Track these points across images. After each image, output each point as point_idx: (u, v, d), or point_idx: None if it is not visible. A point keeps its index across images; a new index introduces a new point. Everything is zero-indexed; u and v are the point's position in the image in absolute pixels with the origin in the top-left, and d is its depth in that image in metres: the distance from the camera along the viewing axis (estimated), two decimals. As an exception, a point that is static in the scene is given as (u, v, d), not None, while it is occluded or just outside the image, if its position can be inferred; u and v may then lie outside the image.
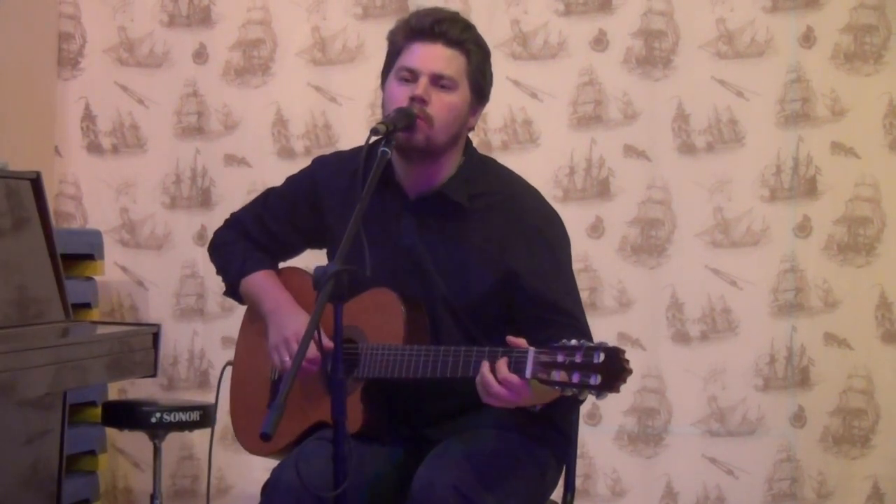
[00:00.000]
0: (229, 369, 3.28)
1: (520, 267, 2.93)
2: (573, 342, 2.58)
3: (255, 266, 3.20)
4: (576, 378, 2.55)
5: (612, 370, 2.54)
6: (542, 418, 2.94)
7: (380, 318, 2.93)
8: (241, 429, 3.20)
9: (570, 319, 2.91)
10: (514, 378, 2.64)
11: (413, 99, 2.89)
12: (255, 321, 3.19)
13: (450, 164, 3.00)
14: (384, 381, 2.87)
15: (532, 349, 2.63)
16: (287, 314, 3.07)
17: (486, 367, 2.67)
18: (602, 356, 2.54)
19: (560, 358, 2.57)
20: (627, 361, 2.55)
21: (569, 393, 2.58)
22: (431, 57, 2.92)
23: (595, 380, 2.53)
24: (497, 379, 2.65)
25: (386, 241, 2.96)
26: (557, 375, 2.57)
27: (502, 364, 2.65)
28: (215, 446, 4.71)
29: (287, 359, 3.01)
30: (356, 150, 3.11)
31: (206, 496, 3.79)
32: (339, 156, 3.22)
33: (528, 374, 2.62)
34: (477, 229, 2.97)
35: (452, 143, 2.97)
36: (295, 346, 2.99)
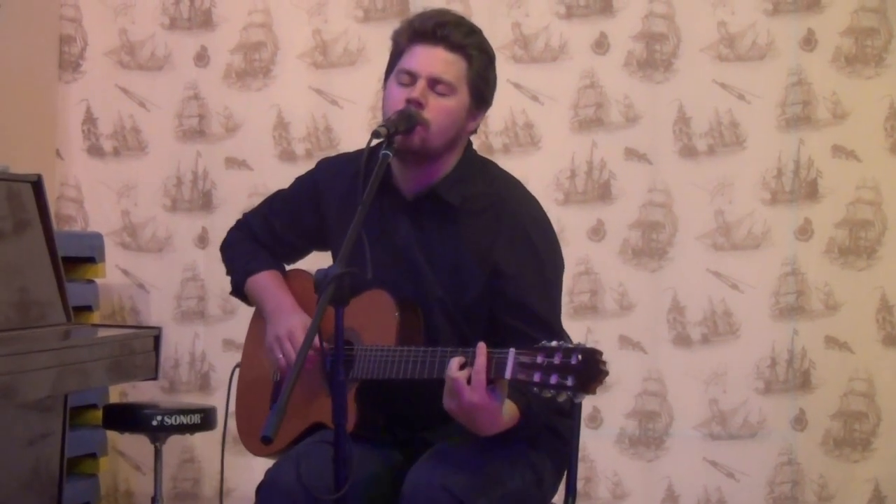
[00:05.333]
0: (237, 372, 3.28)
1: (504, 268, 2.93)
2: (553, 343, 2.59)
3: (259, 267, 3.21)
4: (553, 379, 2.56)
5: (587, 372, 2.54)
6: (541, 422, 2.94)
7: (374, 319, 2.93)
8: (244, 430, 3.20)
9: (544, 327, 2.89)
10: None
11: (409, 101, 2.88)
12: (260, 323, 3.19)
13: (446, 166, 2.99)
14: (377, 381, 2.87)
15: (513, 350, 2.63)
16: (285, 314, 3.08)
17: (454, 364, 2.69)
18: (579, 357, 2.55)
19: (539, 359, 2.58)
20: (604, 363, 2.56)
21: (547, 394, 2.58)
22: (431, 60, 2.91)
23: (571, 381, 2.54)
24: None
25: (383, 242, 2.96)
26: (536, 376, 2.58)
27: (454, 363, 2.67)
28: (217, 448, 4.70)
29: (280, 356, 3.02)
30: (359, 153, 3.11)
31: (220, 498, 3.79)
32: (343, 158, 3.22)
33: (508, 374, 2.62)
34: (470, 230, 2.96)
35: (449, 146, 2.96)
36: (287, 344, 3.00)
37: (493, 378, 2.66)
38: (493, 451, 2.87)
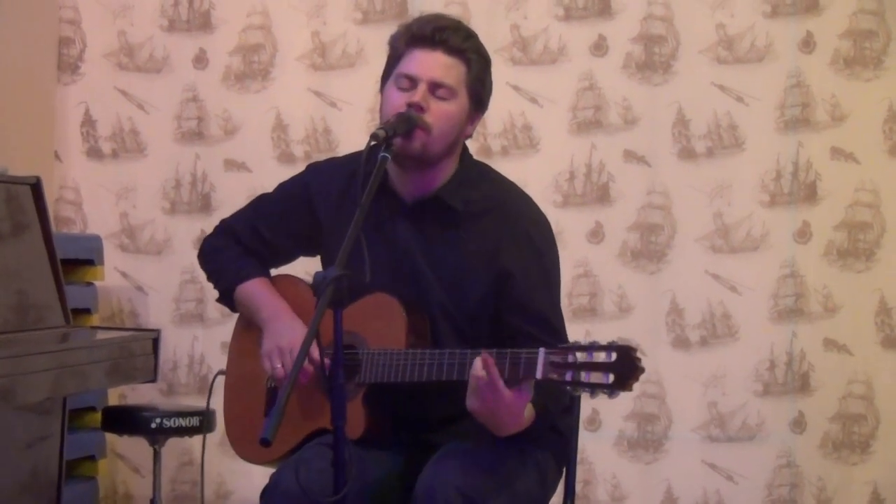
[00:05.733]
0: (221, 378, 3.26)
1: (511, 271, 2.93)
2: (583, 342, 2.58)
3: (250, 273, 3.18)
4: (587, 377, 2.55)
5: (624, 369, 2.54)
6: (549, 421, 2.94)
7: (381, 322, 2.92)
8: (237, 437, 3.18)
9: (549, 329, 2.90)
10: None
11: (410, 105, 2.88)
12: (250, 329, 3.17)
13: (445, 171, 2.99)
14: (386, 385, 2.87)
15: (543, 349, 2.62)
16: (284, 323, 3.06)
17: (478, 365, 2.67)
18: (615, 355, 2.54)
19: (571, 358, 2.57)
20: (640, 360, 2.55)
21: (579, 392, 2.57)
22: (431, 64, 2.91)
23: (608, 378, 2.54)
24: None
25: (382, 246, 2.95)
26: (569, 375, 2.57)
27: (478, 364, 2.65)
28: (216, 452, 4.73)
29: (279, 366, 3.00)
30: (350, 157, 3.11)
31: (201, 500, 3.79)
32: (333, 162, 3.22)
33: (539, 374, 2.62)
34: (471, 234, 2.96)
35: (448, 151, 2.96)
36: (288, 356, 2.98)
37: (523, 377, 2.66)
38: (502, 450, 2.87)
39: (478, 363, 2.67)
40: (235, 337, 3.26)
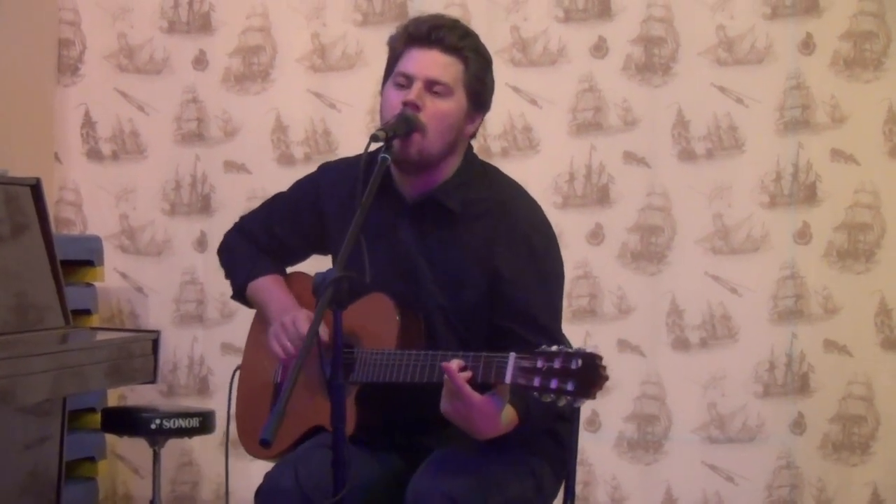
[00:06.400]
0: (237, 375, 3.28)
1: (504, 273, 2.92)
2: (553, 348, 2.58)
3: (262, 270, 3.20)
4: (553, 384, 2.55)
5: (588, 377, 2.53)
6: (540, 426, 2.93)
7: (375, 323, 2.93)
8: (244, 432, 3.20)
9: (544, 332, 2.88)
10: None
11: (406, 104, 2.88)
12: (262, 325, 3.19)
13: (446, 171, 2.98)
14: (377, 385, 2.87)
15: (513, 354, 2.62)
16: (289, 313, 3.07)
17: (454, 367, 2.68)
18: (579, 362, 2.54)
19: (540, 363, 2.57)
20: (604, 368, 2.55)
21: (547, 399, 2.57)
22: (427, 63, 2.91)
23: (571, 386, 2.54)
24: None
25: (383, 246, 2.95)
26: (537, 381, 2.57)
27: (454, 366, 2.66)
28: (216, 452, 4.74)
29: (279, 348, 3.00)
30: (361, 157, 3.11)
31: (226, 500, 3.79)
32: (344, 162, 3.21)
33: (508, 378, 2.62)
34: (470, 235, 2.96)
35: (447, 151, 2.95)
36: (291, 329, 2.98)
37: (494, 382, 2.66)
38: (494, 456, 2.87)
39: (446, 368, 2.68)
40: (250, 334, 3.29)
